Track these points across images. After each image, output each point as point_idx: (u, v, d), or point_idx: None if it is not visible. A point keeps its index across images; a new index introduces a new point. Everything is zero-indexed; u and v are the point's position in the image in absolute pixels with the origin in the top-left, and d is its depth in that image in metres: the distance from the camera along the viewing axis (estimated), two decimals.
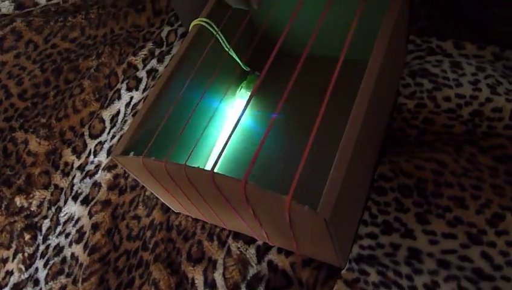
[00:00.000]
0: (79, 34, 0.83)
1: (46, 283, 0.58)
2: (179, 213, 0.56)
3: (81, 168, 0.67)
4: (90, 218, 0.61)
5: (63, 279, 0.58)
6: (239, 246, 0.50)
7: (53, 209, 0.65)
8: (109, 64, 0.76)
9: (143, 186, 0.61)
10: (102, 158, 0.67)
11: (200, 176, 0.37)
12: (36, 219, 0.64)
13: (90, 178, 0.65)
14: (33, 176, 0.68)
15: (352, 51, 0.40)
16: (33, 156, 0.70)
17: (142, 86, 0.72)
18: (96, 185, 0.64)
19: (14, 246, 0.63)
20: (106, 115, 0.71)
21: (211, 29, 0.51)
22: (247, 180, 0.33)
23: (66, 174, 0.67)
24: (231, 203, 0.40)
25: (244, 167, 0.35)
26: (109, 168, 0.64)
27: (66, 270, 0.58)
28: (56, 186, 0.67)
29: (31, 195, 0.66)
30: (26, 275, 0.60)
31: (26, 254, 0.62)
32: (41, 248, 0.62)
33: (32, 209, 0.65)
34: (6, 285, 0.60)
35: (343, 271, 0.44)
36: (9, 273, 0.61)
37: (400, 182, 0.47)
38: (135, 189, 0.61)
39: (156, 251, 0.54)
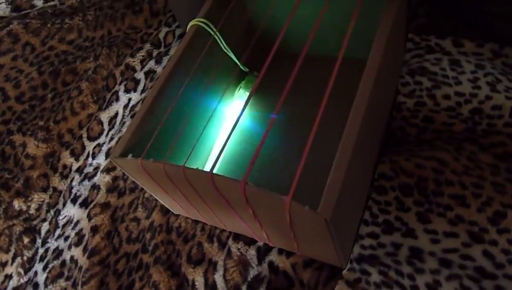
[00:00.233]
0: (76, 36, 0.82)
1: (46, 286, 0.58)
2: (179, 215, 0.56)
3: (79, 170, 0.67)
4: (89, 221, 0.60)
5: (62, 282, 0.57)
6: (239, 247, 0.50)
7: (52, 212, 0.64)
8: (107, 66, 0.76)
9: (142, 189, 0.61)
10: (101, 160, 0.66)
11: (199, 177, 0.37)
12: (35, 222, 0.64)
13: (89, 180, 0.65)
14: (31, 179, 0.67)
15: (351, 50, 0.40)
16: (31, 159, 0.69)
17: (140, 88, 0.72)
18: (95, 187, 0.64)
19: (13, 249, 0.62)
20: (104, 117, 0.70)
21: (209, 30, 0.51)
22: (246, 181, 0.33)
23: (64, 176, 0.67)
24: (231, 204, 0.39)
25: (243, 168, 0.34)
26: (108, 170, 0.64)
27: (66, 273, 0.58)
28: (55, 189, 0.66)
29: (30, 198, 0.66)
30: (25, 278, 0.60)
31: (25, 258, 0.61)
32: (41, 251, 0.62)
33: (30, 212, 0.65)
34: (5, 289, 0.60)
35: (344, 271, 0.44)
36: (9, 277, 0.61)
37: (400, 181, 0.47)
38: (134, 191, 0.61)
39: (155, 253, 0.54)
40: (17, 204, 0.66)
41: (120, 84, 0.73)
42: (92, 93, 0.74)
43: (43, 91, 0.77)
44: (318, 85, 0.40)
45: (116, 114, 0.70)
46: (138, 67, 0.74)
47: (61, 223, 0.63)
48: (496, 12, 0.52)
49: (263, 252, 0.49)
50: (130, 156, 0.42)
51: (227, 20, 0.52)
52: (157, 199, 0.54)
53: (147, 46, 0.76)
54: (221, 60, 0.54)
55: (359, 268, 0.43)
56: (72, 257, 0.59)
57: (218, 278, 0.49)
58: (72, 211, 0.63)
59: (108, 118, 0.70)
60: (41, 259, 0.61)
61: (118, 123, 0.69)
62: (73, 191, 0.65)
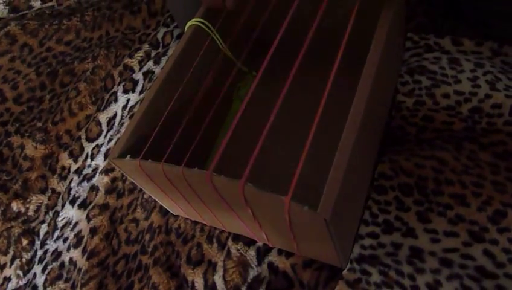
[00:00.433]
0: (74, 36, 0.82)
1: (45, 288, 0.57)
2: (178, 216, 0.56)
3: (78, 172, 0.66)
4: (88, 222, 0.60)
5: (61, 284, 0.57)
6: (239, 248, 0.50)
7: (50, 213, 0.64)
8: (105, 66, 0.76)
9: (141, 189, 0.60)
10: (100, 161, 0.66)
11: (198, 178, 0.37)
12: (33, 224, 0.64)
13: (87, 182, 0.65)
14: (30, 181, 0.67)
15: (350, 49, 0.40)
16: (29, 161, 0.69)
17: (138, 88, 0.72)
18: (93, 188, 0.63)
19: (11, 251, 0.62)
20: (103, 117, 0.70)
21: (207, 30, 0.51)
22: (245, 181, 0.33)
23: (63, 178, 0.67)
24: (230, 204, 0.39)
25: (242, 168, 0.34)
26: (107, 171, 0.64)
27: (65, 275, 0.58)
28: (53, 190, 0.66)
29: (28, 200, 0.65)
30: (24, 280, 0.60)
31: (24, 260, 0.61)
32: (39, 253, 0.61)
33: (29, 214, 0.65)
34: None
35: (344, 272, 0.44)
36: (7, 279, 0.60)
37: (400, 181, 0.46)
38: (133, 192, 0.61)
39: (155, 255, 0.54)
40: (15, 206, 0.65)
41: (118, 84, 0.73)
42: (90, 94, 0.73)
43: (41, 92, 0.77)
44: (317, 84, 0.40)
45: (115, 115, 0.70)
46: (136, 68, 0.74)
47: (59, 224, 0.62)
48: (494, 10, 0.52)
49: (263, 252, 0.49)
50: (128, 157, 0.42)
51: (225, 20, 0.52)
52: (156, 199, 0.54)
53: (145, 46, 0.76)
54: (220, 60, 0.54)
55: (359, 268, 0.43)
56: (71, 259, 0.58)
57: (218, 279, 0.49)
58: (70, 212, 0.63)
59: (107, 119, 0.70)
60: (40, 261, 0.60)
61: (116, 124, 0.69)
62: (72, 192, 0.65)
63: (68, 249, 0.59)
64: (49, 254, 0.60)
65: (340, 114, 0.39)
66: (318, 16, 0.40)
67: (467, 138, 0.47)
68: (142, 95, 0.71)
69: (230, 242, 0.51)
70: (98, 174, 0.64)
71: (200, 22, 0.50)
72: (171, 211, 0.56)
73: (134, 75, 0.73)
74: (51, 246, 0.61)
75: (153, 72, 0.73)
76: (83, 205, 0.62)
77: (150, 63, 0.74)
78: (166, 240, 0.54)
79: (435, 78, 0.52)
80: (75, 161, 0.68)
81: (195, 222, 0.54)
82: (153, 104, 0.46)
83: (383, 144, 0.51)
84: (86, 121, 0.71)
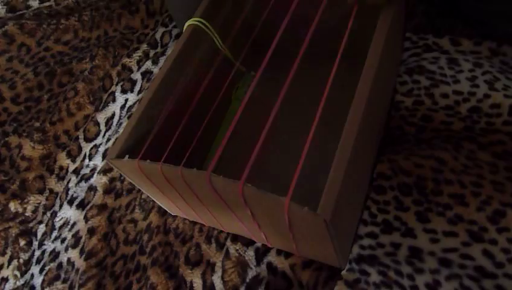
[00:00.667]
0: (72, 36, 0.82)
1: (42, 289, 0.57)
2: (176, 216, 0.56)
3: (76, 172, 0.66)
4: (86, 222, 0.60)
5: (59, 285, 0.57)
6: (237, 248, 0.50)
7: (48, 214, 0.64)
8: (103, 66, 0.76)
9: (139, 190, 0.60)
10: (98, 161, 0.66)
11: (196, 178, 0.37)
12: (31, 224, 0.64)
13: (85, 182, 0.64)
14: (27, 181, 0.67)
15: (349, 49, 0.40)
16: (27, 161, 0.69)
17: (137, 88, 0.71)
18: (91, 189, 0.63)
19: (9, 252, 0.62)
20: (101, 117, 0.70)
21: (206, 29, 0.50)
22: (244, 182, 0.33)
23: (61, 178, 0.67)
24: (229, 205, 0.39)
25: (241, 169, 0.34)
26: (105, 171, 0.64)
27: (63, 276, 0.57)
28: (51, 190, 0.66)
29: (26, 200, 0.65)
30: (21, 281, 0.59)
31: (21, 260, 0.61)
32: (37, 253, 0.61)
33: (27, 214, 0.64)
34: None
35: (343, 272, 0.44)
36: (5, 279, 0.60)
37: (399, 181, 0.46)
38: (131, 192, 0.61)
39: (153, 255, 0.53)
40: (13, 206, 0.65)
41: (117, 84, 0.73)
42: (89, 94, 0.73)
43: (39, 92, 0.77)
44: (316, 84, 0.40)
45: (113, 115, 0.70)
46: (135, 68, 0.74)
47: (57, 225, 0.62)
48: (493, 10, 0.52)
49: (262, 253, 0.49)
50: (126, 157, 0.41)
51: (224, 20, 0.52)
52: (155, 200, 0.54)
53: (144, 46, 0.76)
54: (218, 60, 0.53)
55: (358, 268, 0.43)
56: (68, 259, 0.58)
57: (217, 279, 0.49)
58: (68, 212, 0.62)
59: (105, 119, 0.70)
60: (38, 261, 0.60)
61: (114, 124, 0.69)
62: (70, 192, 0.64)
63: (66, 249, 0.59)
64: (46, 255, 0.60)
65: (340, 114, 0.39)
66: (318, 16, 0.40)
67: (466, 137, 0.48)
68: (140, 95, 0.70)
69: (229, 242, 0.50)
70: (96, 174, 0.64)
71: (198, 21, 0.50)
72: (169, 212, 0.56)
73: (132, 75, 0.73)
74: (49, 246, 0.61)
75: (152, 72, 0.72)
76: (81, 205, 0.62)
77: (149, 63, 0.73)
78: (164, 241, 0.54)
79: (433, 78, 0.52)
80: (73, 161, 0.67)
81: (194, 222, 0.54)
82: (151, 104, 0.45)
83: (382, 143, 0.50)
84: (84, 121, 0.71)
